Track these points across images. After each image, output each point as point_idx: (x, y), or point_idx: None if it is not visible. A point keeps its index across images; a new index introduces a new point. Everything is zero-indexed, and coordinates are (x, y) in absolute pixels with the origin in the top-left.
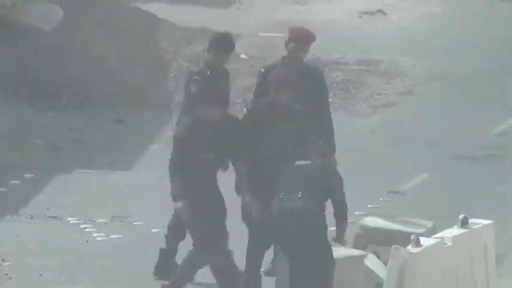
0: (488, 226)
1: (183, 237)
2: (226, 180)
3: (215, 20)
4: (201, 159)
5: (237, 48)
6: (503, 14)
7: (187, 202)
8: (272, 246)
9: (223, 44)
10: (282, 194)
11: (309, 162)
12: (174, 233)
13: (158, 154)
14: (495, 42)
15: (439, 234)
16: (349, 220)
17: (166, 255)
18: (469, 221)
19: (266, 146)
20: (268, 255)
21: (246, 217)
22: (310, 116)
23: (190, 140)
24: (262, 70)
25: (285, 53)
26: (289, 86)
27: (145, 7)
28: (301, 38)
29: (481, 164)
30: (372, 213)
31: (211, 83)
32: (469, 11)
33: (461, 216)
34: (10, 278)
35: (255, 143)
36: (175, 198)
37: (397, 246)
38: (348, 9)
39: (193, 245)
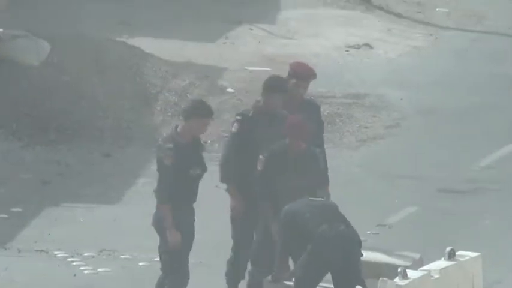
0: (476, 258)
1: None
2: None
3: (201, 54)
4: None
5: (223, 82)
6: (491, 50)
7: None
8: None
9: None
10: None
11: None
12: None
13: (145, 188)
14: (482, 78)
15: (426, 267)
16: None
17: None
18: (456, 253)
19: (287, 188)
20: None
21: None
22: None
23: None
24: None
25: None
26: (308, 133)
27: (132, 42)
28: (302, 74)
29: (468, 197)
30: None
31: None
32: (456, 47)
33: (448, 249)
34: None
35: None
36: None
37: (385, 278)
38: (334, 43)
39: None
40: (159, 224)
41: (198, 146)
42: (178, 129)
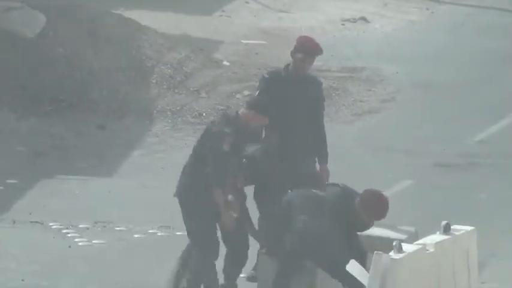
0: (470, 232)
1: None
2: None
3: (197, 27)
4: None
5: (219, 55)
6: (486, 25)
7: None
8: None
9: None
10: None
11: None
12: None
13: (140, 160)
14: (477, 52)
15: (421, 241)
16: None
17: None
18: (451, 227)
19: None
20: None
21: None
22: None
23: None
24: (266, 76)
25: (268, 60)
26: None
27: (128, 14)
28: (308, 50)
29: (463, 171)
30: None
31: None
32: (452, 21)
33: (443, 223)
34: None
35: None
36: None
37: (379, 252)
38: (330, 17)
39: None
40: (196, 203)
41: (249, 135)
42: (240, 114)
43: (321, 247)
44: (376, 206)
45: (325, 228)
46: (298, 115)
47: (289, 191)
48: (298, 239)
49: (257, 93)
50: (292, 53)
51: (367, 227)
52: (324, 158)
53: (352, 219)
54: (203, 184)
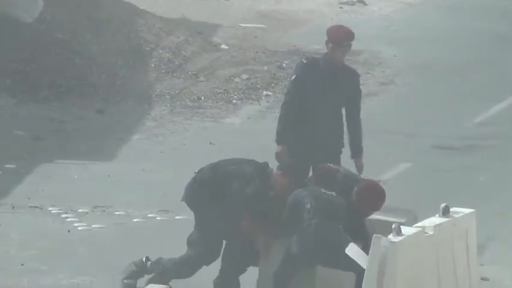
0: (470, 215)
1: None
2: None
3: (196, 10)
4: None
5: (217, 39)
6: (484, 6)
7: None
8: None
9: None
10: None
11: None
12: None
13: (139, 145)
14: (475, 34)
15: (420, 223)
16: None
17: None
18: (451, 209)
19: None
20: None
21: None
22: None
23: None
24: (304, 61)
25: (266, 43)
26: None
27: None
28: (337, 39)
29: (462, 154)
30: None
31: None
32: (449, 3)
33: (442, 205)
34: None
35: None
36: None
37: (379, 235)
38: (328, 0)
39: None
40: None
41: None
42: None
43: (332, 254)
44: (371, 198)
45: (336, 233)
46: (326, 104)
47: (298, 190)
48: (308, 243)
49: (293, 77)
50: (326, 44)
51: (366, 216)
52: (358, 151)
53: (351, 210)
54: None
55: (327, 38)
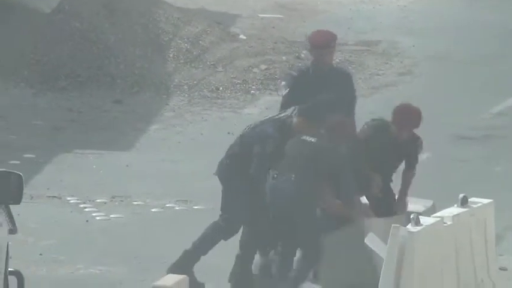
0: (488, 205)
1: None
2: None
3: (214, 0)
4: None
5: (235, 29)
6: None
7: None
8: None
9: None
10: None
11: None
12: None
13: (157, 135)
14: (493, 25)
15: (438, 214)
16: None
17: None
18: (469, 200)
19: None
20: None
21: None
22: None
23: None
24: (294, 74)
25: (284, 34)
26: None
27: None
28: (317, 44)
29: (480, 144)
30: None
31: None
32: None
33: (461, 196)
34: (10, 257)
35: None
36: None
37: (397, 225)
38: None
39: None
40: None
41: None
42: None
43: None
44: (410, 114)
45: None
46: None
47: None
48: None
49: (285, 92)
50: (309, 51)
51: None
52: None
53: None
54: None
55: (309, 45)
